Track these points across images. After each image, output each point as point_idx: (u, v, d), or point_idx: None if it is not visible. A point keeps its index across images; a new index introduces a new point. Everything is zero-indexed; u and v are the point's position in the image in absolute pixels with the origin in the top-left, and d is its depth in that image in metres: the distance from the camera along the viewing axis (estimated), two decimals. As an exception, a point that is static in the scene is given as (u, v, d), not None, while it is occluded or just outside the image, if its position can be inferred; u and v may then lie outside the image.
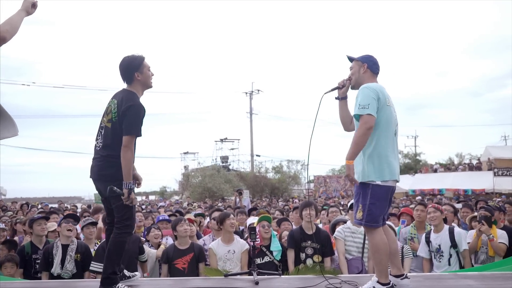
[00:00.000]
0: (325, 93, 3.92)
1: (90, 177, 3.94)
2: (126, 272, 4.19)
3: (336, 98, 4.05)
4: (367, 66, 3.82)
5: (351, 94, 4.00)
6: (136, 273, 4.36)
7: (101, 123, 3.95)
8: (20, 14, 3.39)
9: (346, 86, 3.96)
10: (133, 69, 3.87)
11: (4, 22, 3.26)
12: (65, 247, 5.05)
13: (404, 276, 3.73)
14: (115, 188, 3.69)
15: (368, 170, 3.58)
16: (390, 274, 3.74)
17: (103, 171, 3.82)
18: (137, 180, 4.11)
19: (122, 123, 3.73)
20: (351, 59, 3.94)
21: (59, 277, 4.90)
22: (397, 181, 3.68)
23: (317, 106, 3.89)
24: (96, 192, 4.28)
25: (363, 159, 3.61)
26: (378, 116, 3.56)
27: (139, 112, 3.75)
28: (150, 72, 3.97)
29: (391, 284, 3.58)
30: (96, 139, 3.95)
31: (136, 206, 4.25)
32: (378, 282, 3.59)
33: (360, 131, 3.49)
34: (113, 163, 3.75)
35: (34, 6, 3.50)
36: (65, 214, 8.11)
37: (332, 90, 3.99)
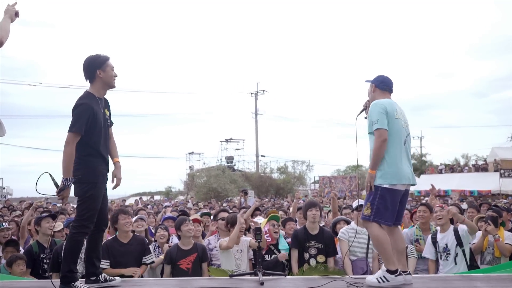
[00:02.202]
0: (357, 116, 4.44)
1: None
2: (103, 276, 4.15)
3: (365, 118, 4.39)
4: (375, 86, 4.27)
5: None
6: (116, 277, 4.32)
7: None
8: (7, 21, 3.74)
9: (368, 107, 4.31)
10: (96, 67, 3.93)
11: None
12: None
13: (408, 272, 4.05)
14: (53, 177, 3.77)
15: (378, 176, 3.95)
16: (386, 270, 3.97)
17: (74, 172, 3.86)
18: (112, 182, 4.18)
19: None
20: (367, 82, 4.39)
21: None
22: (411, 185, 4.03)
23: (355, 129, 4.32)
24: None
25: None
26: (388, 127, 3.95)
27: (83, 110, 3.79)
28: (114, 73, 4.02)
29: (399, 272, 3.89)
30: None
31: (107, 207, 4.31)
32: (387, 270, 3.89)
33: (377, 144, 3.93)
34: (75, 163, 3.81)
35: (17, 14, 3.84)
36: (72, 215, 8.15)
37: (361, 112, 4.46)
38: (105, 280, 4.13)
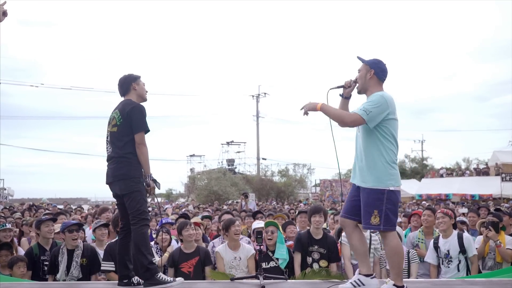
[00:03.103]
0: (330, 89, 4.02)
1: (106, 183, 4.21)
2: (136, 279, 4.17)
3: (340, 95, 4.12)
4: (374, 72, 3.85)
5: (356, 97, 4.09)
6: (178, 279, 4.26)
7: (106, 134, 4.27)
8: None
9: (351, 88, 4.03)
10: (131, 80, 4.31)
11: None
12: (70, 252, 5.07)
13: (373, 276, 3.86)
14: (147, 179, 4.09)
15: (383, 177, 3.67)
16: (360, 273, 3.84)
17: (117, 171, 4.11)
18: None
19: (129, 124, 4.09)
20: (361, 60, 3.97)
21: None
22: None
23: (326, 100, 3.96)
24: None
25: (377, 165, 3.71)
26: (389, 128, 3.73)
27: (142, 111, 4.16)
28: (145, 88, 4.39)
29: (405, 287, 3.66)
30: (106, 149, 4.26)
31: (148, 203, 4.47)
32: (394, 285, 3.66)
33: (347, 118, 3.75)
34: (124, 163, 4.07)
35: (4, 14, 3.80)
36: (72, 216, 8.13)
37: (338, 87, 4.08)
38: (138, 283, 4.16)
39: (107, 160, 4.24)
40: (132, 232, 4.05)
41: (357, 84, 3.98)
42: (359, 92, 3.99)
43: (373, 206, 3.67)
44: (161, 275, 4.01)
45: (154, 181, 4.15)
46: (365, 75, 3.87)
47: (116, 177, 4.10)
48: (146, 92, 4.41)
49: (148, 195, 4.18)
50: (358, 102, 4.04)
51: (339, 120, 3.78)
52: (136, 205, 4.03)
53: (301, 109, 3.87)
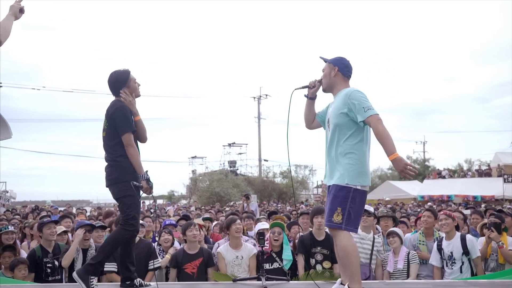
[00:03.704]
0: (295, 89, 4.02)
1: (106, 186, 4.15)
2: (138, 281, 4.16)
3: (305, 96, 4.09)
4: (338, 69, 3.80)
5: (322, 97, 4.06)
6: (151, 283, 4.33)
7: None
8: (10, 19, 3.54)
9: (316, 87, 3.99)
10: (120, 85, 4.14)
11: None
12: (84, 252, 5.25)
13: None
14: (134, 182, 3.93)
15: (350, 174, 3.52)
16: (341, 283, 3.70)
17: (109, 176, 4.05)
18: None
19: (114, 127, 4.00)
20: (324, 60, 3.92)
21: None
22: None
23: (289, 102, 3.97)
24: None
25: (344, 162, 3.57)
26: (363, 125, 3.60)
27: (124, 112, 4.02)
28: (137, 84, 4.24)
29: None
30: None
31: (142, 209, 4.39)
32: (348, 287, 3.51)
33: (380, 127, 3.43)
34: (116, 167, 4.01)
35: (21, 11, 3.65)
36: (77, 219, 8.13)
37: (303, 88, 4.05)
38: (140, 285, 4.15)
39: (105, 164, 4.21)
40: (115, 231, 4.03)
41: (322, 84, 3.94)
42: (324, 91, 3.94)
43: (335, 203, 3.54)
44: (94, 281, 3.88)
45: (148, 180, 3.97)
46: (329, 73, 3.82)
47: (109, 181, 4.04)
48: (139, 85, 4.26)
49: (140, 196, 4.06)
50: (323, 102, 4.05)
51: (388, 133, 3.46)
52: (126, 210, 3.94)
53: (412, 171, 3.33)
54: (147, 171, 4.01)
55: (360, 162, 3.58)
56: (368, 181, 3.62)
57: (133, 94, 4.18)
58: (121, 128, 3.97)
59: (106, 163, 4.13)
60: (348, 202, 3.50)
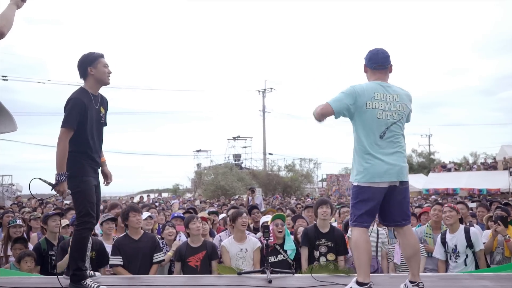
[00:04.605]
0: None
1: None
2: (88, 272, 4.08)
3: None
4: (365, 65, 3.79)
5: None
6: (97, 273, 4.27)
7: None
8: (12, 8, 3.42)
9: None
10: (87, 64, 3.95)
11: (0, 17, 3.28)
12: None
13: (416, 283, 3.59)
14: (43, 179, 3.80)
15: (352, 171, 3.65)
16: (409, 280, 3.66)
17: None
18: (106, 179, 4.28)
19: None
20: None
21: None
22: (394, 182, 3.52)
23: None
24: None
25: (353, 159, 3.67)
26: (357, 119, 3.60)
27: (74, 106, 3.80)
28: (107, 70, 4.02)
29: (368, 285, 3.48)
30: None
31: (100, 202, 4.29)
32: (356, 281, 3.53)
33: (318, 109, 3.62)
34: (69, 161, 3.80)
35: (24, 0, 3.53)
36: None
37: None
38: (90, 276, 4.09)
39: None
40: (73, 233, 3.93)
41: None
42: None
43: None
44: (87, 281, 3.85)
45: (58, 182, 3.72)
46: (364, 71, 3.84)
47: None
48: (109, 73, 4.03)
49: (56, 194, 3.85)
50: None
51: (318, 116, 3.67)
52: (78, 206, 3.83)
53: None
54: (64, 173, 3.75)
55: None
56: (370, 179, 3.53)
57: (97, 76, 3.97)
58: (63, 121, 3.79)
59: None
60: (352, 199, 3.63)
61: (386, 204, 3.62)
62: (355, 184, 3.59)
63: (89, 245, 5.11)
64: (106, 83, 4.06)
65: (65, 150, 3.75)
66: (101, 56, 4.01)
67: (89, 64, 3.94)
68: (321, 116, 3.65)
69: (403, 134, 3.68)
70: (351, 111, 3.59)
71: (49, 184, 3.78)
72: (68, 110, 3.79)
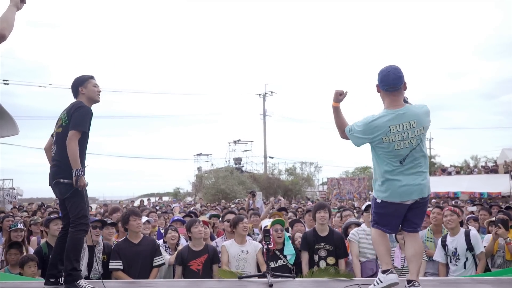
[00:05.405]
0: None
1: (49, 184, 4.20)
2: (63, 279, 4.13)
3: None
4: (378, 86, 3.80)
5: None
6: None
7: (52, 134, 4.29)
8: (12, 10, 3.43)
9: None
10: (78, 84, 4.28)
11: (0, 20, 3.27)
12: (91, 248, 5.11)
13: (412, 283, 3.72)
14: (62, 180, 4.00)
15: (374, 186, 3.91)
16: (406, 280, 3.78)
17: (58, 174, 4.08)
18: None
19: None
20: None
21: (87, 278, 4.85)
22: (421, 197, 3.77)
23: None
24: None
25: (373, 179, 3.95)
26: (375, 149, 3.77)
27: (86, 113, 4.15)
28: (97, 89, 4.35)
29: (390, 270, 3.71)
30: (52, 149, 4.26)
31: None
32: (381, 271, 3.79)
33: (340, 130, 3.95)
34: (63, 169, 4.02)
35: (23, 1, 3.54)
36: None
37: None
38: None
39: (52, 161, 4.22)
40: (68, 235, 4.04)
41: None
42: None
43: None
44: (81, 282, 3.97)
45: (78, 177, 3.94)
46: (377, 91, 3.85)
47: (57, 179, 4.06)
48: (99, 92, 4.36)
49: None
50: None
51: (337, 127, 3.98)
52: (75, 210, 4.02)
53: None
54: (80, 168, 3.98)
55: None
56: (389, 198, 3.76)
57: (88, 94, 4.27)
58: (75, 125, 4.03)
59: (54, 161, 4.16)
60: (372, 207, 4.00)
61: (407, 213, 3.82)
62: (376, 199, 3.85)
63: (101, 248, 5.17)
64: (97, 101, 4.38)
65: (77, 148, 4.00)
66: (91, 77, 4.34)
67: (80, 84, 4.27)
68: (344, 138, 3.97)
69: (423, 155, 3.80)
70: (370, 143, 3.80)
71: (69, 182, 3.97)
72: (82, 116, 4.09)
